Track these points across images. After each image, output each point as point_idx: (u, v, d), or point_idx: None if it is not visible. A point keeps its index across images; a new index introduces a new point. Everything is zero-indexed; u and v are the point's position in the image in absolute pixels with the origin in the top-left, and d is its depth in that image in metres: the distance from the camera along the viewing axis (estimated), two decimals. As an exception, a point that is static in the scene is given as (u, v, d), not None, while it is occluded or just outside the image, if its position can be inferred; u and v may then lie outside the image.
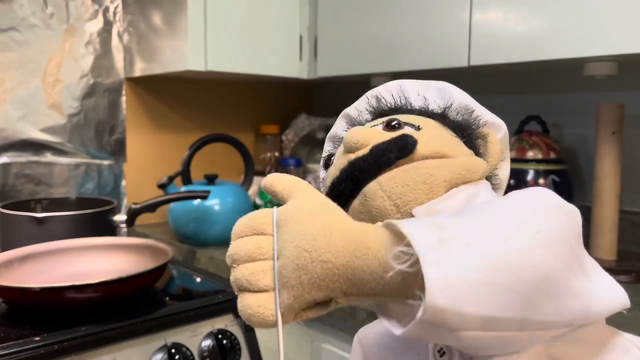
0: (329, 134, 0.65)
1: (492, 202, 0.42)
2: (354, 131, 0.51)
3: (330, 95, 1.94)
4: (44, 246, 1.02)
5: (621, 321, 0.82)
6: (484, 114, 0.58)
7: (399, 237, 0.38)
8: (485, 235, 0.36)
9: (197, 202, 1.29)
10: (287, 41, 1.48)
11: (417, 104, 0.58)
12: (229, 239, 1.47)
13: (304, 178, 1.64)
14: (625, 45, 0.93)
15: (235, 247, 0.41)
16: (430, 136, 0.51)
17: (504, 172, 0.59)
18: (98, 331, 0.79)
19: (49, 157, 1.40)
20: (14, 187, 1.35)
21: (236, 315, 0.95)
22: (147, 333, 0.84)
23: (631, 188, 1.24)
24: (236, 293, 0.41)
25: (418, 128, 0.52)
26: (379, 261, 0.37)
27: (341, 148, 0.53)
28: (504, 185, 0.59)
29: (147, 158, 1.58)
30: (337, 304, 0.41)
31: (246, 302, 0.40)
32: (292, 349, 1.16)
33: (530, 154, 1.23)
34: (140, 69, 1.46)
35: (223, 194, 1.32)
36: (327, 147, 0.64)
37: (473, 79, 1.52)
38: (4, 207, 1.17)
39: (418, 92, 0.59)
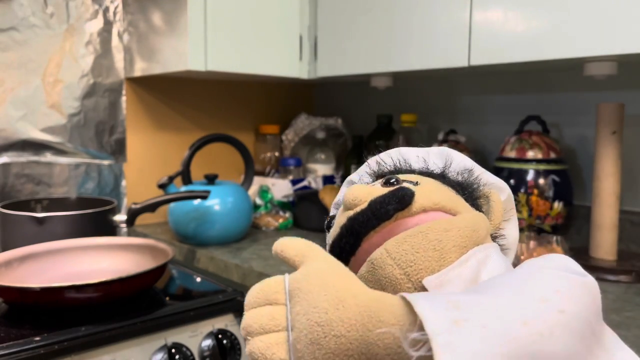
0: (334, 201, 0.63)
1: (511, 276, 0.39)
2: (352, 188, 0.50)
3: (330, 95, 1.94)
4: (44, 246, 1.02)
5: (621, 321, 0.82)
6: (485, 176, 0.57)
7: (414, 313, 0.36)
8: (504, 316, 0.34)
9: (197, 202, 1.29)
10: (287, 41, 1.48)
11: (417, 166, 0.58)
12: (229, 239, 1.47)
13: (304, 178, 1.64)
14: (625, 45, 0.93)
15: (249, 318, 0.41)
16: (429, 189, 0.50)
17: (511, 234, 0.58)
18: (98, 331, 0.79)
19: (49, 157, 1.40)
20: (14, 187, 1.35)
21: (236, 315, 0.96)
22: (147, 333, 0.84)
23: (631, 188, 1.24)
24: None
25: (416, 184, 0.51)
26: (393, 336, 0.36)
27: (341, 208, 0.53)
28: (514, 247, 0.58)
29: (147, 158, 1.58)
30: None
31: None
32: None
33: (530, 154, 1.23)
34: (140, 69, 1.46)
35: (223, 194, 1.32)
36: (332, 213, 0.63)
37: (473, 79, 1.52)
38: (4, 207, 1.17)
39: (418, 155, 0.59)
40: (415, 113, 1.61)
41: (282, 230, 1.49)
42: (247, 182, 1.45)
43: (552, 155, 1.23)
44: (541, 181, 1.22)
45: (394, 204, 0.48)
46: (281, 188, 1.59)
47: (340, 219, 0.52)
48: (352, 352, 0.37)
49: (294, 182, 1.61)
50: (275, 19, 1.45)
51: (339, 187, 1.57)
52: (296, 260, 0.43)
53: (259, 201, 1.57)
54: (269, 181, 1.62)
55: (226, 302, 0.94)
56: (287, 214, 1.54)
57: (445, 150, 0.59)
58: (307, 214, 1.50)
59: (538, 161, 1.23)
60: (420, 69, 1.25)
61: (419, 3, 1.23)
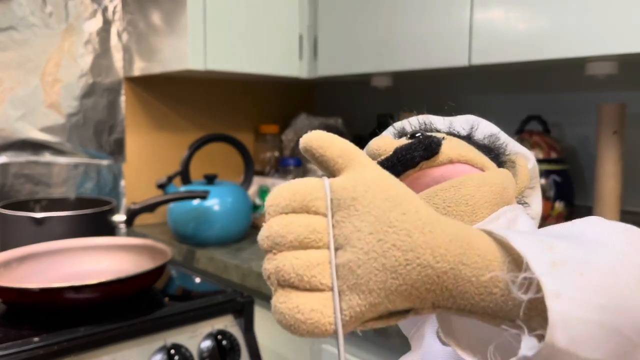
0: None
1: (574, 226, 0.36)
2: (376, 139, 0.48)
3: (330, 95, 1.93)
4: (43, 246, 1.01)
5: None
6: (510, 144, 0.56)
7: (509, 250, 0.32)
8: (596, 266, 0.31)
9: (196, 202, 1.29)
10: (287, 41, 1.48)
11: (442, 127, 0.57)
12: (228, 239, 1.46)
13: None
14: (626, 44, 0.93)
15: (279, 226, 0.31)
16: (456, 142, 0.50)
17: (535, 204, 0.57)
18: (97, 332, 0.79)
19: (47, 157, 1.39)
20: (12, 187, 1.34)
21: (236, 316, 0.95)
22: (147, 334, 0.84)
23: (632, 188, 1.24)
24: (273, 287, 0.32)
25: (443, 139, 0.50)
26: (489, 273, 0.31)
27: None
28: (538, 218, 0.57)
29: (147, 158, 1.58)
30: (417, 314, 0.33)
31: (295, 303, 0.30)
32: (291, 349, 1.16)
33: (531, 154, 1.23)
34: (139, 69, 1.45)
35: (222, 194, 1.32)
36: None
37: (473, 78, 1.51)
38: (2, 207, 1.17)
39: (444, 119, 0.58)
40: (415, 113, 1.61)
41: (281, 231, 1.49)
42: (246, 182, 1.45)
43: (553, 155, 1.23)
44: (542, 181, 1.21)
45: (421, 151, 0.46)
46: (281, 188, 1.58)
47: None
48: (435, 287, 0.31)
49: (293, 182, 1.60)
50: (275, 18, 1.45)
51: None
52: (339, 162, 0.33)
53: (258, 201, 1.56)
54: (268, 181, 1.61)
55: (225, 303, 0.94)
56: (287, 214, 1.53)
57: (471, 117, 0.58)
58: (307, 214, 1.49)
59: (539, 161, 1.22)
60: (420, 69, 1.25)
61: (419, 3, 1.23)
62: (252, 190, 1.59)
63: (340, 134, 1.79)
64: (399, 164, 0.46)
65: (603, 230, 0.34)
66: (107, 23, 1.46)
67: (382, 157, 0.47)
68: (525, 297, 0.30)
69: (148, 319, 0.84)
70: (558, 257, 0.30)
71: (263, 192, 1.57)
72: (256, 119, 1.82)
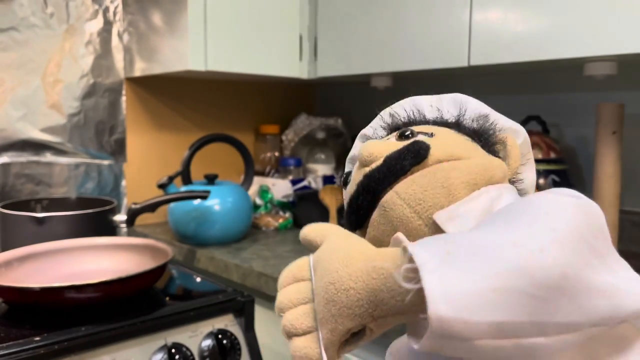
0: (348, 156, 0.64)
1: (507, 207, 0.41)
2: (367, 144, 0.51)
3: (330, 95, 1.94)
4: (44, 246, 1.02)
5: (621, 321, 0.82)
6: (500, 120, 0.57)
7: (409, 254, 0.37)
8: (495, 241, 0.35)
9: (197, 202, 1.29)
10: (287, 41, 1.48)
11: (431, 115, 0.58)
12: (229, 239, 1.47)
13: (304, 178, 1.64)
14: (625, 45, 0.93)
15: (280, 296, 0.45)
16: (444, 140, 0.51)
17: (528, 177, 0.58)
18: (98, 331, 0.79)
19: (49, 157, 1.40)
20: (14, 187, 1.35)
21: (236, 315, 0.96)
22: (147, 333, 0.84)
23: (631, 188, 1.24)
24: (287, 340, 0.44)
25: (431, 135, 0.52)
26: (394, 279, 0.38)
27: (357, 164, 0.53)
28: (531, 191, 0.58)
29: (147, 158, 1.58)
30: (371, 331, 0.42)
31: (294, 346, 0.43)
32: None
33: (530, 154, 1.23)
34: (140, 69, 1.46)
35: (223, 194, 1.32)
36: (347, 169, 0.63)
37: (473, 79, 1.52)
38: (4, 207, 1.17)
39: (431, 104, 0.59)
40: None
41: (282, 231, 1.49)
42: (247, 182, 1.45)
43: (552, 155, 1.23)
44: (541, 181, 1.22)
45: (410, 159, 0.48)
46: (281, 188, 1.59)
47: (356, 175, 0.52)
48: (362, 302, 0.39)
49: (294, 182, 1.61)
50: (275, 18, 1.45)
51: (339, 187, 1.57)
52: (317, 240, 0.46)
53: (258, 201, 1.57)
54: (269, 181, 1.62)
55: (226, 302, 0.94)
56: (287, 214, 1.54)
57: (459, 96, 0.58)
58: (307, 214, 1.50)
59: (538, 161, 1.23)
60: (420, 69, 1.25)
61: (419, 3, 1.23)
62: (253, 190, 1.60)
63: (340, 134, 1.80)
64: (390, 174, 0.49)
65: (528, 205, 0.39)
66: (107, 24, 1.46)
67: (373, 166, 0.50)
68: (409, 286, 0.36)
69: (149, 319, 0.85)
70: (454, 246, 0.36)
71: (263, 192, 1.57)
72: (256, 119, 1.82)
